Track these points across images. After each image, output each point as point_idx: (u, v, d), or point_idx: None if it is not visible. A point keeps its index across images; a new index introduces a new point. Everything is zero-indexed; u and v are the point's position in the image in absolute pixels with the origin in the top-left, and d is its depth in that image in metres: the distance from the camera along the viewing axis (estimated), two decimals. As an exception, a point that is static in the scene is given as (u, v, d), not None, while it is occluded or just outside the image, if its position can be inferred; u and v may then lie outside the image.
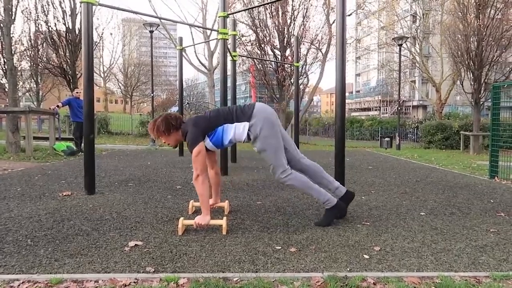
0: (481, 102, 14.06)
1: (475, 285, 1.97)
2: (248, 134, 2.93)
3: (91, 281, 1.98)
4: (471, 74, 13.91)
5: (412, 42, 24.97)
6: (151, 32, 15.12)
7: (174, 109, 37.36)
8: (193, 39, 26.85)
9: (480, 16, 13.71)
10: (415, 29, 25.66)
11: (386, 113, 42.27)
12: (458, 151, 13.79)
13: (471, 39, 13.80)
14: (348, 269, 2.15)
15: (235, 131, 2.92)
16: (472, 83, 13.86)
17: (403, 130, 21.86)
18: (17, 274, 2.06)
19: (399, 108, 17.36)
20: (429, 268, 2.18)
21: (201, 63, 26.30)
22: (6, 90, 10.78)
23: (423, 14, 25.58)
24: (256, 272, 2.11)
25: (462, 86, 15.46)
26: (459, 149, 14.41)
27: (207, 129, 2.93)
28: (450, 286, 1.91)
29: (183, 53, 9.51)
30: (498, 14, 13.48)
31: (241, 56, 14.96)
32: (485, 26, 13.39)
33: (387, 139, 16.58)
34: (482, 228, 3.01)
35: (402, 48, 16.91)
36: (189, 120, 3.00)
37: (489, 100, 6.58)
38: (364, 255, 2.37)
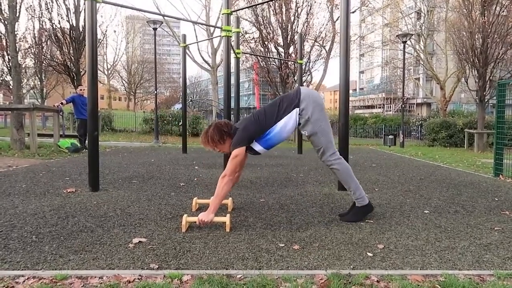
0: (486, 100, 13.98)
1: (479, 283, 1.97)
2: (298, 120, 2.91)
3: (95, 277, 1.99)
4: (476, 72, 13.83)
5: (417, 39, 24.85)
6: (155, 29, 15.12)
7: (178, 106, 37.41)
8: (196, 36, 26.87)
9: (485, 13, 13.62)
10: (420, 26, 25.53)
11: (390, 110, 42.14)
12: (462, 149, 13.73)
13: (476, 36, 13.71)
14: (352, 267, 2.15)
15: (288, 124, 2.88)
16: (477, 80, 13.79)
17: (407, 128, 21.78)
18: (22, 270, 2.08)
19: (403, 106, 17.29)
20: (433, 266, 2.17)
21: (205, 61, 26.28)
22: (11, 87, 10.82)
23: (427, 11, 25.44)
24: (260, 269, 2.11)
25: (467, 84, 15.39)
26: (464, 147, 14.35)
27: (255, 133, 2.89)
28: (454, 285, 1.90)
29: (187, 51, 9.51)
30: (503, 11, 13.39)
31: (244, 53, 14.94)
32: (490, 23, 13.30)
33: (390, 136, 16.53)
34: (486, 227, 3.00)
35: (406, 45, 16.82)
36: (239, 124, 2.97)
37: (494, 97, 6.54)
38: (368, 253, 2.37)
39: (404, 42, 16.15)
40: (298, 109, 2.89)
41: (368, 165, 7.15)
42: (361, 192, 3.07)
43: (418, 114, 36.98)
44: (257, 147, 2.95)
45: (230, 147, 2.96)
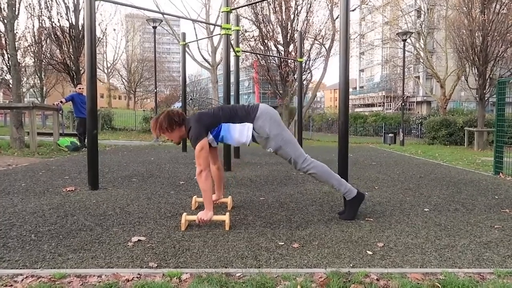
0: (486, 98, 13.98)
1: (479, 281, 1.96)
2: (253, 136, 2.93)
3: (94, 276, 1.99)
4: (476, 70, 13.83)
5: (417, 37, 24.82)
6: (154, 28, 15.11)
7: (178, 105, 37.39)
8: (196, 34, 26.85)
9: (485, 11, 13.61)
10: (420, 24, 25.50)
11: (390, 109, 42.11)
12: (462, 147, 13.73)
13: (476, 34, 13.70)
14: (351, 265, 2.15)
15: (241, 132, 2.91)
16: (477, 78, 13.79)
17: (407, 126, 21.76)
18: (21, 269, 2.07)
19: (403, 104, 17.29)
20: (433, 264, 2.17)
21: (205, 59, 26.26)
22: (11, 86, 10.82)
23: (427, 9, 25.42)
24: (259, 267, 2.10)
25: (467, 82, 15.39)
26: (464, 145, 14.35)
27: (210, 125, 2.92)
28: (454, 283, 1.89)
29: (186, 49, 9.49)
30: (503, 9, 13.38)
31: (244, 51, 14.92)
32: (490, 21, 13.29)
33: (390, 135, 16.52)
34: (486, 225, 2.99)
35: (406, 44, 16.80)
36: (192, 116, 3.00)
37: (494, 95, 6.53)
38: (368, 251, 2.36)
39: (404, 40, 16.13)
40: (251, 124, 2.90)
41: (368, 164, 7.14)
42: (345, 186, 3.07)
43: (418, 112, 36.95)
44: (209, 136, 2.96)
45: (179, 137, 3.02)
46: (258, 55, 17.97)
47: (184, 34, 9.14)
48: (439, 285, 1.88)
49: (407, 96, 38.66)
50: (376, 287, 1.85)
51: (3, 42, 17.79)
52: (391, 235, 2.70)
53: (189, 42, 9.74)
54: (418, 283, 1.91)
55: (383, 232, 2.76)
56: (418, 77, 37.69)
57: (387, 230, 2.82)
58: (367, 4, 26.15)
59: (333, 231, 2.78)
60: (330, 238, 2.61)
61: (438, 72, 23.83)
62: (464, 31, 14.29)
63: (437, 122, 15.82)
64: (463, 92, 31.80)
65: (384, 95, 44.71)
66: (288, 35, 17.22)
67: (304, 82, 18.22)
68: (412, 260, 2.23)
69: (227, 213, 2.89)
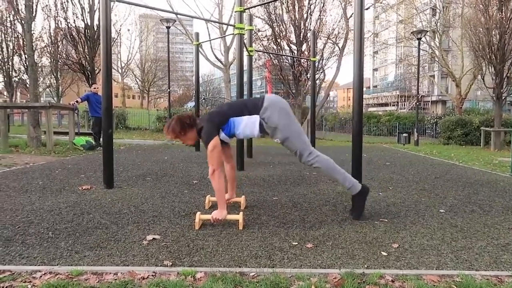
0: (503, 97, 13.71)
1: (497, 284, 1.93)
2: (262, 128, 2.93)
3: (110, 273, 2.02)
4: (492, 69, 13.58)
5: (432, 36, 24.49)
6: (168, 28, 15.20)
7: (191, 104, 37.59)
8: (209, 34, 26.97)
9: (503, 8, 13.35)
10: (435, 23, 25.16)
11: (404, 108, 41.65)
12: (478, 147, 13.50)
13: (493, 32, 13.46)
14: (366, 266, 2.13)
15: (247, 124, 2.93)
16: (494, 77, 13.54)
17: (421, 126, 21.49)
18: (39, 265, 2.11)
19: (417, 103, 17.07)
20: (449, 266, 2.14)
21: (217, 59, 26.36)
22: (28, 86, 11.02)
23: (443, 7, 25.06)
24: (273, 267, 2.11)
25: (483, 81, 15.13)
26: (480, 145, 14.12)
27: (220, 123, 2.94)
28: (471, 285, 1.87)
29: (200, 49, 9.53)
30: (522, 7, 13.09)
31: (257, 51, 14.92)
32: (508, 19, 13.04)
33: (405, 134, 16.34)
34: (504, 226, 2.94)
35: (421, 42, 16.58)
36: (203, 116, 3.01)
37: (512, 95, 6.40)
38: (382, 252, 2.34)
39: (419, 39, 15.92)
40: (258, 116, 2.91)
41: (382, 164, 7.08)
42: (350, 181, 3.04)
43: (433, 112, 36.44)
44: (220, 134, 2.97)
45: (193, 139, 3.05)
46: (271, 54, 17.96)
47: (197, 34, 9.18)
48: (455, 287, 1.85)
49: (421, 96, 38.17)
50: (391, 288, 1.84)
51: (21, 43, 18.16)
52: (406, 236, 2.67)
53: (202, 42, 9.79)
54: (434, 285, 1.89)
55: (398, 233, 2.73)
56: (433, 76, 37.18)
57: (402, 231, 2.79)
58: (381, 3, 25.89)
59: (347, 231, 2.77)
60: (344, 239, 2.60)
61: (454, 71, 23.48)
62: (481, 29, 14.05)
63: (452, 122, 15.59)
64: (479, 92, 31.26)
65: (398, 95, 44.23)
66: (301, 34, 17.16)
67: (317, 82, 18.14)
68: (427, 261, 2.21)
69: (241, 213, 2.90)
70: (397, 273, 2.03)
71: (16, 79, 22.10)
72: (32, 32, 9.49)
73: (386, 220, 3.09)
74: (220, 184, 2.86)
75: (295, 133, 2.94)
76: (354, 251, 2.36)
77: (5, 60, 20.83)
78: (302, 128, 3.07)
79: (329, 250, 2.38)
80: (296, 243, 2.49)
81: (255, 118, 2.92)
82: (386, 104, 46.53)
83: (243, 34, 5.75)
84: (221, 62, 26.39)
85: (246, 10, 6.22)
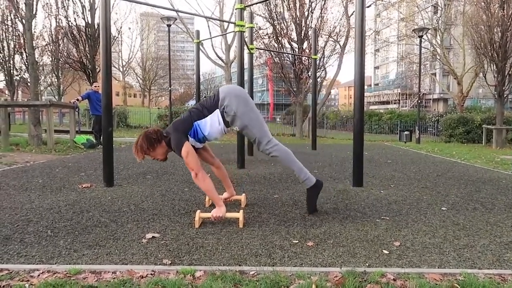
0: (505, 95, 13.65)
1: (500, 283, 1.90)
2: (224, 120, 2.92)
3: (109, 272, 2.00)
4: (494, 66, 13.51)
5: (433, 33, 24.38)
6: (169, 26, 15.15)
7: (192, 102, 37.57)
8: (210, 32, 26.84)
9: (505, 6, 13.27)
10: (436, 20, 25.04)
11: (406, 106, 41.56)
12: (480, 145, 13.45)
13: (495, 30, 13.38)
14: (367, 264, 2.11)
15: (211, 122, 2.91)
16: (496, 75, 13.47)
17: (423, 124, 21.43)
18: (37, 264, 2.09)
19: (419, 101, 17.01)
20: (451, 265, 2.11)
21: (218, 57, 26.30)
22: (29, 84, 11.01)
23: (444, 5, 24.94)
24: (273, 265, 2.08)
25: (485, 79, 15.06)
26: (481, 143, 14.05)
27: (186, 129, 2.91)
28: (474, 284, 1.84)
29: (200, 47, 9.50)
30: (524, 4, 13.01)
31: (258, 49, 14.88)
32: (510, 16, 12.96)
33: (406, 132, 16.28)
34: (506, 224, 2.91)
35: (422, 40, 16.50)
36: (168, 128, 2.98)
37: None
38: (384, 250, 2.32)
39: (421, 37, 15.83)
40: (218, 110, 2.90)
41: (383, 161, 7.05)
42: (305, 174, 3.04)
43: (435, 109, 36.35)
44: (190, 140, 2.96)
45: (162, 153, 3.00)
46: (272, 52, 17.91)
47: (198, 32, 9.16)
48: (458, 286, 1.83)
49: (423, 94, 38.07)
50: (393, 287, 1.81)
51: (22, 41, 18.16)
52: (408, 234, 2.65)
53: (203, 40, 9.76)
54: (437, 284, 1.86)
55: (399, 231, 2.70)
56: (435, 74, 37.08)
57: (403, 229, 2.76)
58: (382, 0, 25.79)
59: (348, 229, 2.74)
60: (345, 237, 2.57)
61: (455, 68, 23.38)
62: (483, 26, 13.97)
63: (454, 120, 15.51)
64: (481, 89, 31.19)
65: (399, 93, 44.14)
66: (302, 32, 17.09)
67: (319, 80, 18.10)
68: (429, 260, 2.18)
69: (241, 211, 2.87)
70: (398, 272, 2.01)
71: (18, 78, 22.11)
72: (34, 31, 9.47)
73: (387, 218, 3.06)
74: (207, 184, 2.85)
75: (254, 121, 2.92)
76: (355, 250, 2.34)
77: (6, 58, 20.83)
78: (262, 116, 3.05)
79: (330, 248, 2.36)
80: (297, 241, 2.47)
81: (216, 113, 2.92)
82: (387, 102, 46.47)
83: (244, 32, 5.72)
84: (222, 60, 26.33)
85: (247, 8, 6.19)
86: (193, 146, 2.98)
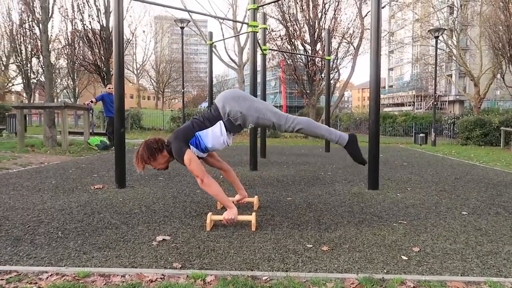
0: (525, 96, 13.31)
1: (528, 292, 1.79)
2: (233, 127, 2.86)
3: (118, 275, 1.95)
4: (513, 67, 13.20)
5: (449, 34, 23.97)
6: (182, 28, 15.20)
7: (204, 104, 37.70)
8: (223, 35, 26.94)
9: (524, 5, 12.97)
10: (452, 21, 24.62)
11: (421, 108, 40.97)
12: (498, 148, 13.12)
13: (514, 30, 13.08)
14: (385, 271, 2.02)
15: (212, 134, 2.84)
16: (515, 76, 13.15)
17: (438, 126, 21.05)
18: (46, 266, 2.06)
19: (435, 103, 16.72)
20: (475, 273, 2.00)
21: (231, 59, 26.34)
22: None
23: (461, 5, 24.51)
24: (286, 271, 2.01)
25: (503, 80, 14.74)
26: (499, 145, 13.72)
27: (186, 137, 2.85)
28: (500, 293, 1.73)
29: (213, 49, 9.49)
30: (544, 3, 12.70)
31: (271, 49, 14.81)
32: (530, 15, 12.65)
33: (421, 135, 16.00)
34: (531, 230, 2.78)
35: (438, 41, 16.23)
36: (169, 138, 2.93)
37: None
38: (402, 256, 2.22)
39: (437, 37, 15.56)
40: (221, 121, 2.84)
41: (399, 164, 6.90)
42: (335, 134, 2.92)
43: (450, 112, 35.74)
44: (193, 150, 2.88)
45: (164, 162, 2.95)
46: (285, 54, 17.83)
47: (211, 34, 9.14)
48: (483, 295, 1.72)
49: (438, 95, 37.47)
50: (414, 295, 1.71)
51: (39, 44, 18.46)
52: (427, 239, 2.54)
53: (216, 41, 9.74)
54: (460, 293, 1.76)
55: (418, 236, 2.60)
56: (451, 76, 36.45)
57: (422, 234, 2.66)
58: (397, 1, 25.51)
59: (364, 234, 2.65)
60: (361, 241, 2.48)
61: (472, 70, 22.94)
62: (501, 27, 13.69)
63: (471, 122, 15.19)
64: (498, 91, 30.50)
65: (414, 94, 43.54)
66: (316, 33, 16.98)
67: (332, 82, 17.94)
68: (451, 267, 2.08)
69: (253, 213, 2.80)
70: (419, 279, 1.91)
71: (35, 81, 22.49)
72: (50, 34, 9.58)
73: (405, 222, 2.95)
74: (214, 188, 2.80)
75: (263, 109, 2.84)
76: (372, 255, 2.24)
77: (24, 62, 21.21)
78: (266, 102, 2.97)
79: (346, 253, 2.27)
80: (311, 246, 2.39)
81: (218, 125, 2.85)
82: (402, 104, 45.86)
83: (257, 32, 5.66)
84: (235, 62, 26.37)
85: (260, 9, 6.14)
86: (197, 156, 2.93)
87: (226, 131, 2.87)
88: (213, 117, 2.87)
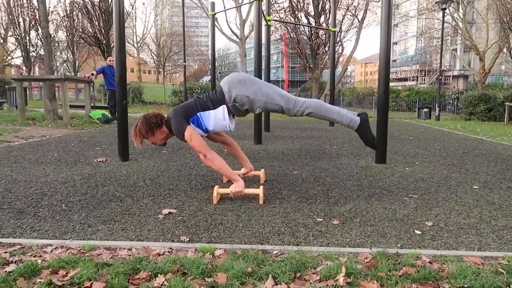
0: (532, 71, 13.07)
1: (548, 268, 1.73)
2: (237, 111, 2.77)
3: (124, 249, 1.89)
4: (522, 40, 12.89)
5: (455, 7, 23.38)
6: (183, 0, 14.81)
7: (206, 78, 37.34)
8: (224, 6, 26.31)
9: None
10: (460, -7, 23.96)
11: (424, 83, 40.52)
12: (502, 123, 13.00)
13: (525, 2, 12.70)
14: (399, 246, 1.96)
15: (215, 117, 2.76)
16: (523, 50, 12.87)
17: (442, 101, 20.83)
18: (50, 239, 2.00)
19: (440, 78, 16.46)
20: (492, 247, 1.95)
21: (233, 32, 25.84)
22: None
23: (469, -24, 23.78)
24: (297, 245, 1.95)
25: (510, 54, 14.44)
26: (503, 121, 13.59)
27: (187, 113, 2.75)
28: (519, 268, 1.67)
29: (215, 22, 9.24)
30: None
31: (276, 20, 14.47)
32: (542, -14, 12.26)
33: (425, 110, 15.84)
34: (545, 204, 2.71)
35: (444, 14, 15.81)
36: (169, 113, 2.83)
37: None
38: (416, 231, 2.16)
39: (444, 9, 15.17)
40: (224, 105, 2.75)
41: (404, 138, 6.81)
42: (347, 117, 2.79)
43: (454, 87, 35.32)
44: (197, 130, 2.81)
45: (162, 138, 2.89)
46: (288, 26, 17.46)
47: (213, 4, 8.88)
48: (503, 271, 1.66)
49: (443, 70, 36.96)
50: (431, 271, 1.65)
51: (37, 16, 18.09)
52: (440, 213, 2.48)
53: (218, 12, 9.48)
54: (478, 268, 1.70)
55: (430, 210, 2.54)
56: (456, 50, 35.84)
57: (434, 208, 2.59)
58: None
59: (375, 207, 2.59)
60: (372, 215, 2.42)
61: (478, 44, 22.50)
62: (511, -2, 13.28)
63: (475, 97, 14.99)
64: (503, 66, 30.06)
65: (418, 69, 42.98)
66: (319, 5, 16.57)
67: (336, 55, 17.63)
68: (467, 241, 2.02)
69: (261, 187, 2.74)
70: (434, 254, 1.85)
71: (34, 54, 22.16)
72: (48, 7, 9.31)
73: (415, 196, 2.89)
74: (218, 162, 2.73)
75: (270, 93, 2.72)
76: (384, 229, 2.18)
77: (23, 34, 20.85)
78: (273, 85, 2.87)
79: (357, 227, 2.21)
80: (321, 220, 2.33)
81: (221, 109, 2.76)
82: (405, 79, 45.35)
83: (262, 1, 5.46)
84: (236, 35, 25.87)
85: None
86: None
87: (230, 115, 2.79)
88: (217, 100, 2.77)
